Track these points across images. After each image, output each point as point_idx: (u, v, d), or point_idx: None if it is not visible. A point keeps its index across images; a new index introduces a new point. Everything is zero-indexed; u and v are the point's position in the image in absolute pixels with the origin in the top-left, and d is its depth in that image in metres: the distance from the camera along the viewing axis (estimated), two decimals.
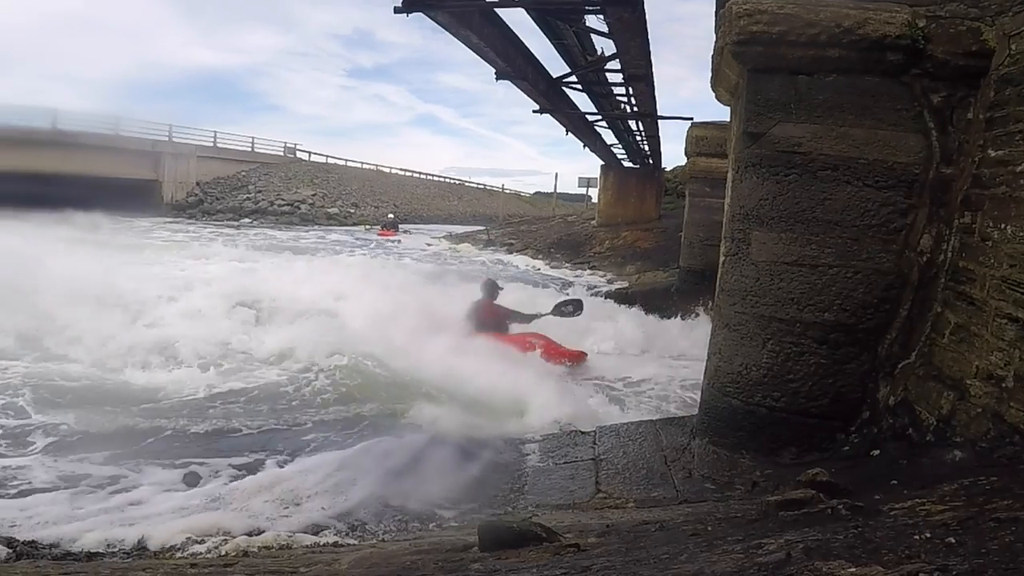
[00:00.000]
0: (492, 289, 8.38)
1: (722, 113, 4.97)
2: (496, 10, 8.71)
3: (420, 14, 7.44)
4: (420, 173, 51.33)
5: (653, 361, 8.41)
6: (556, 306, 8.39)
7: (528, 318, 8.22)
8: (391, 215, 33.08)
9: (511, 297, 9.02)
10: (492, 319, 8.09)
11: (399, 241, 26.35)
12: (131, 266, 12.80)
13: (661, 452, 3.95)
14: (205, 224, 28.04)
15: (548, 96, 13.55)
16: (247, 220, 31.14)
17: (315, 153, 42.13)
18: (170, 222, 27.23)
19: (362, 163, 45.86)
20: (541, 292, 12.25)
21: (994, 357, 2.63)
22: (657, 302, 11.68)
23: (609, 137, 21.07)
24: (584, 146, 21.55)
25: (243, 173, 35.39)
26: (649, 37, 9.42)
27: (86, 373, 6.44)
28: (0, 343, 6.95)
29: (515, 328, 8.14)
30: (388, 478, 4.06)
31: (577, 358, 7.72)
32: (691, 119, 14.06)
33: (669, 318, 10.82)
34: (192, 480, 4.25)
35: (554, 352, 7.57)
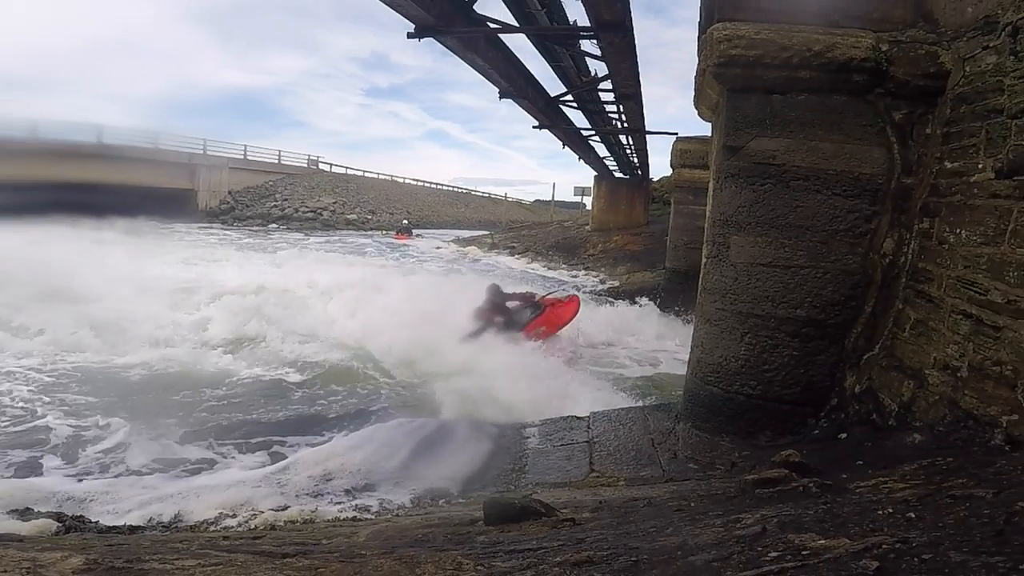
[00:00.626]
0: (495, 290, 8.42)
1: (704, 129, 4.95)
2: (500, 36, 8.70)
3: (431, 39, 7.45)
4: (430, 183, 51.12)
5: (641, 352, 8.43)
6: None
7: (524, 316, 8.27)
8: (405, 221, 32.87)
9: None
10: (497, 314, 8.13)
11: (413, 245, 26.29)
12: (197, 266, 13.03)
13: (649, 435, 3.95)
14: (239, 230, 28.00)
15: (547, 113, 13.55)
16: (274, 225, 31.11)
17: (336, 165, 42.07)
18: (205, 227, 27.21)
19: (378, 174, 45.66)
20: (539, 291, 12.26)
21: (950, 349, 2.63)
22: (645, 299, 11.70)
23: (602, 150, 21.00)
24: (579, 158, 21.49)
25: (270, 183, 35.37)
26: (638, 60, 9.41)
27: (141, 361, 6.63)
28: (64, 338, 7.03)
29: (515, 323, 8.16)
30: (407, 457, 4.07)
31: (572, 305, 8.03)
32: (676, 134, 14.07)
33: (655, 313, 10.85)
34: (277, 459, 4.32)
35: (555, 323, 7.79)
